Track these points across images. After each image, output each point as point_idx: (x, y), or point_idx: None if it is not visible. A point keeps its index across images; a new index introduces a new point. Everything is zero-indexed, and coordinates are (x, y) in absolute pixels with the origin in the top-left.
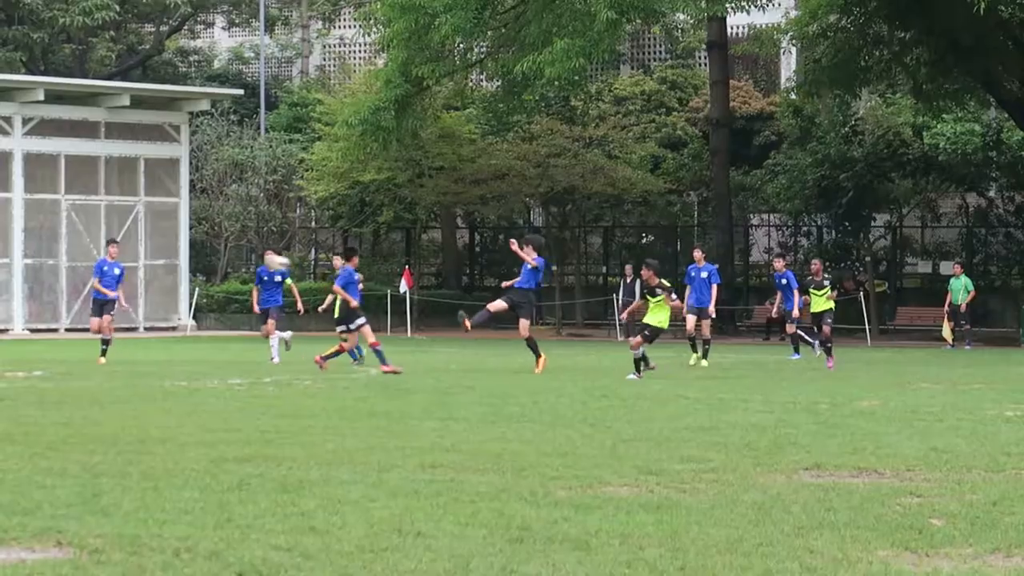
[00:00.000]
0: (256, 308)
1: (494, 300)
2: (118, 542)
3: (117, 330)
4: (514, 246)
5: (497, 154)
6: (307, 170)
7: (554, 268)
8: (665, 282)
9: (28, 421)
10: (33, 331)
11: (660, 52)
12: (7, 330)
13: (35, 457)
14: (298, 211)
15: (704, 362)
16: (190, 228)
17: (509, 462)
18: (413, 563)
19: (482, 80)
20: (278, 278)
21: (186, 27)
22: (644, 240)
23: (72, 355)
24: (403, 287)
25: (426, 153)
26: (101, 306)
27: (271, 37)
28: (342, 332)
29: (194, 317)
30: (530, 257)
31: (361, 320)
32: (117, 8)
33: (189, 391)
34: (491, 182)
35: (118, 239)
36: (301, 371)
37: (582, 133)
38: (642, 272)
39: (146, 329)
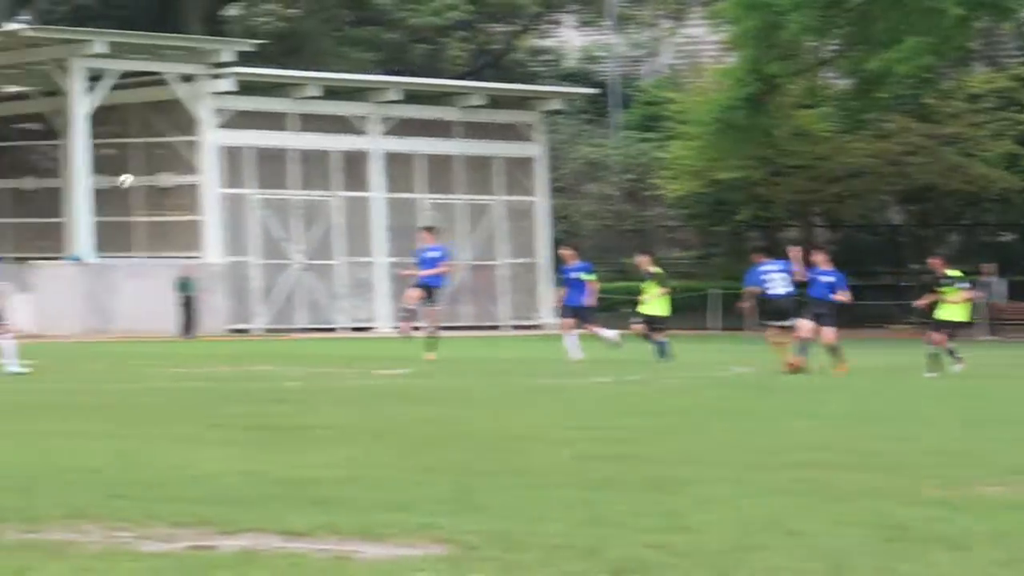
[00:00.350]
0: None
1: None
2: (493, 538)
3: (478, 328)
4: (795, 254)
5: (852, 152)
6: (663, 168)
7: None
8: (955, 272)
9: (399, 419)
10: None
11: (1013, 48)
12: (372, 328)
13: (408, 455)
14: (654, 210)
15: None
16: (552, 227)
17: (879, 461)
18: (787, 561)
19: (834, 78)
20: (581, 275)
21: (536, 26)
22: (1002, 238)
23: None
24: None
25: (781, 151)
26: (429, 290)
27: (621, 35)
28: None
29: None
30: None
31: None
32: (468, 8)
33: (555, 388)
34: (847, 180)
35: (433, 227)
36: (663, 369)
37: (937, 131)
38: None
39: (509, 328)
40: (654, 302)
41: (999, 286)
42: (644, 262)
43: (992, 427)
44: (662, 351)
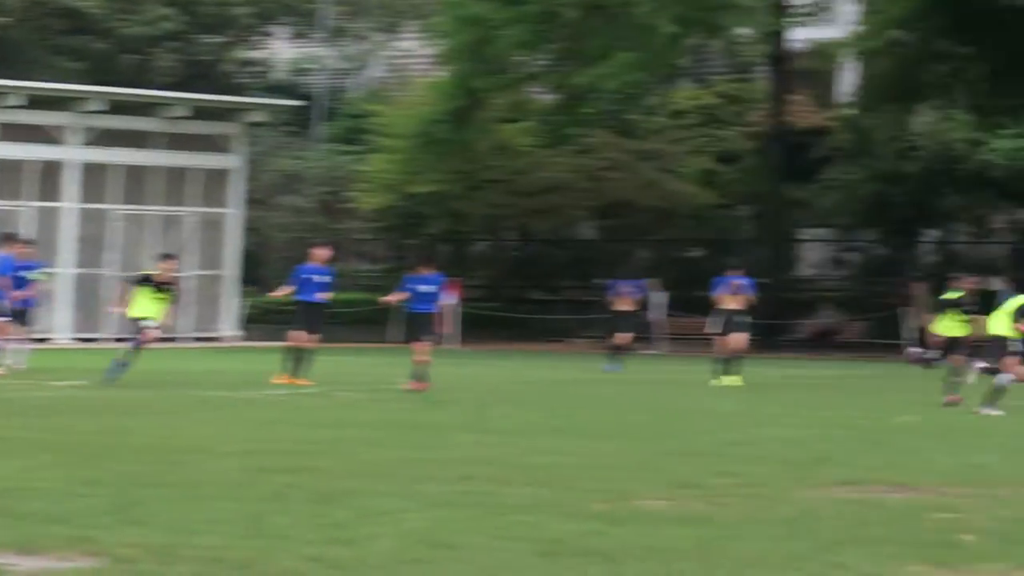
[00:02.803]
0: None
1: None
2: (150, 552)
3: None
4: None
5: (551, 166)
6: (361, 181)
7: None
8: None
9: (65, 430)
10: (79, 340)
11: (719, 66)
12: (50, 339)
13: (70, 466)
14: (349, 223)
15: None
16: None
17: (546, 475)
18: (443, 575)
19: (540, 93)
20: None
21: (248, 38)
22: (692, 254)
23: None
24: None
25: (480, 165)
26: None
27: (333, 48)
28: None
29: (243, 328)
30: None
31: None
32: (181, 19)
33: (227, 401)
34: (544, 195)
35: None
36: (340, 383)
37: (637, 146)
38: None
39: (191, 340)
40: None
41: (659, 299)
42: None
43: (665, 440)
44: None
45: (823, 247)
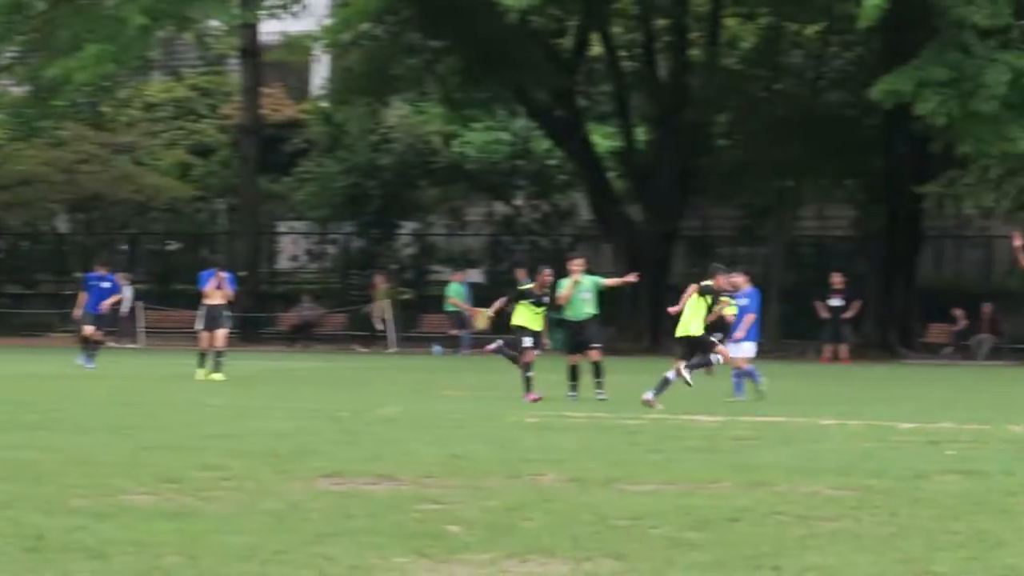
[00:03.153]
0: None
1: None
2: None
3: None
4: None
5: (24, 160)
6: None
7: None
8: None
9: None
10: None
11: (192, 59)
12: None
13: None
14: None
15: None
16: None
17: (25, 471)
18: None
19: (11, 85)
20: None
21: None
22: (170, 247)
23: None
24: None
25: None
26: None
27: None
28: None
29: None
30: None
31: None
32: None
33: None
34: (16, 188)
35: None
36: None
37: (111, 139)
38: None
39: None
40: None
41: (128, 292)
42: None
43: (148, 435)
44: None
45: (301, 240)
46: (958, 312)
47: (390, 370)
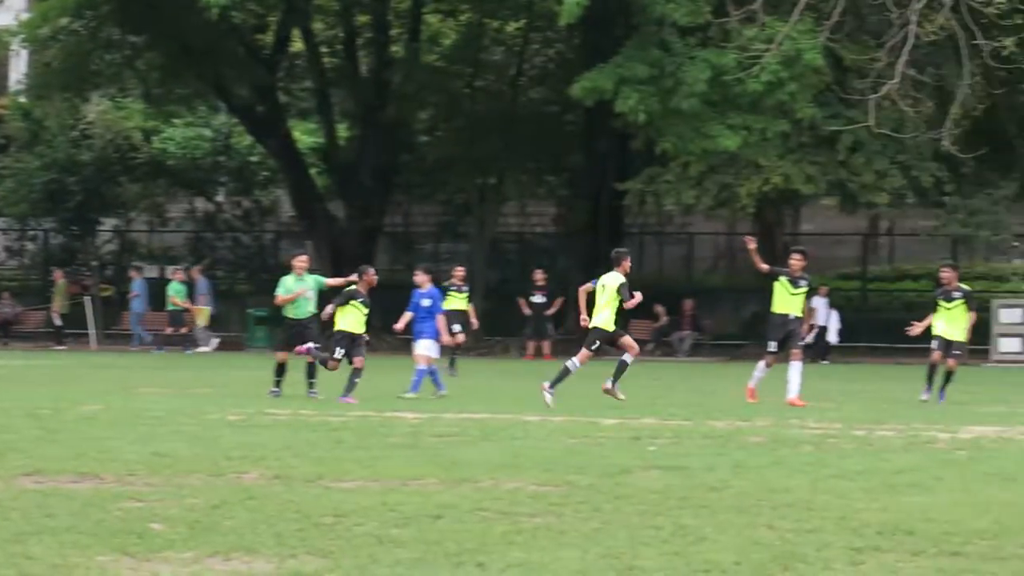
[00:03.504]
0: None
1: None
2: None
3: None
4: None
5: None
6: None
7: None
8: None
9: None
10: None
11: None
12: None
13: None
14: None
15: None
16: None
17: None
18: None
19: None
20: None
21: None
22: None
23: None
24: None
25: None
26: None
27: None
28: None
29: None
30: None
31: None
32: None
33: None
34: None
35: None
36: None
37: None
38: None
39: None
40: None
41: None
42: None
43: None
44: None
45: (0, 237)
46: (659, 309)
47: (91, 368)
